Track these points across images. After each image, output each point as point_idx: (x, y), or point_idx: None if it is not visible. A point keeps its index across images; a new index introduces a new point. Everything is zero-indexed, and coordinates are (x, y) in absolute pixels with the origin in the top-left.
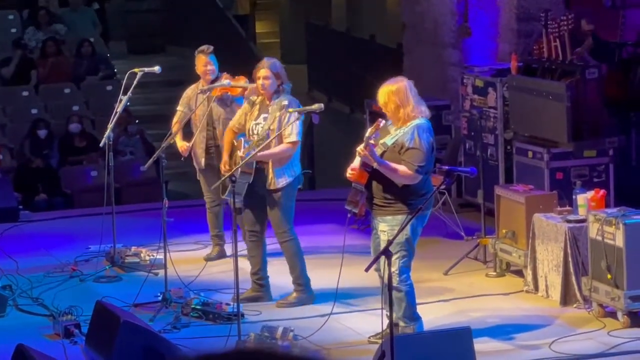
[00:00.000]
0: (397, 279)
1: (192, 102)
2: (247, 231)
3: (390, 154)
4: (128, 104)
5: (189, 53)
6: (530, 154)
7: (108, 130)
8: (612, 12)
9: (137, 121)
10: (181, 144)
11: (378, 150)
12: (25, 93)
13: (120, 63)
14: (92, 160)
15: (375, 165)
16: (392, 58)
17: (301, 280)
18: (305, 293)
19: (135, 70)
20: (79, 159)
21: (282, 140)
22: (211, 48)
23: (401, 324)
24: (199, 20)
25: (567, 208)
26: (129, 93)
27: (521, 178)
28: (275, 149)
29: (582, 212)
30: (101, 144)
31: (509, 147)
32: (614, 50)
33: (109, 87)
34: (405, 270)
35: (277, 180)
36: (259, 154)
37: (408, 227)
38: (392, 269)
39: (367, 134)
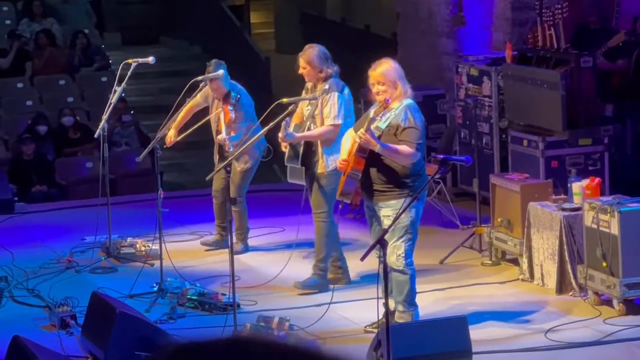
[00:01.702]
0: (403, 262)
1: (209, 99)
2: (313, 213)
3: (386, 137)
4: (123, 94)
5: (183, 44)
6: (525, 142)
7: (103, 122)
8: (607, 0)
9: (131, 112)
10: (170, 134)
11: None
12: (20, 85)
13: (114, 54)
14: (87, 151)
15: (377, 149)
16: (387, 48)
17: (322, 264)
18: (324, 279)
19: (130, 61)
20: (74, 151)
21: (324, 122)
22: (212, 65)
23: (400, 308)
24: (194, 11)
25: (563, 196)
26: (124, 84)
27: (516, 167)
28: (316, 131)
29: (577, 200)
30: (96, 135)
31: (504, 136)
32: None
33: (104, 78)
34: (410, 253)
35: (326, 164)
36: (299, 134)
37: (412, 210)
38: (398, 252)
39: (371, 114)
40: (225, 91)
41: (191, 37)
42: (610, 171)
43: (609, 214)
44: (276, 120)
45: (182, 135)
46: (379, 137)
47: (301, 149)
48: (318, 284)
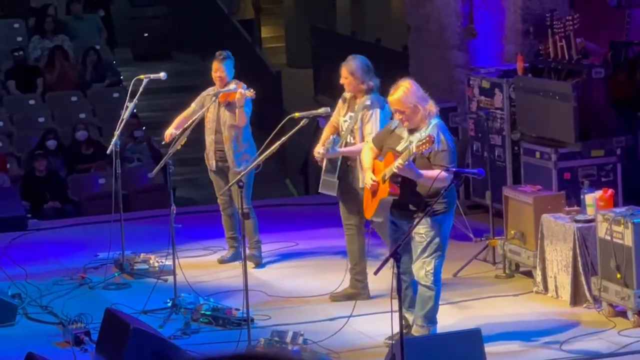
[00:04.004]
0: (432, 278)
1: (205, 102)
2: (344, 224)
3: (419, 160)
4: (135, 110)
5: (195, 59)
6: (537, 154)
7: (115, 137)
8: (617, 12)
9: (143, 128)
10: (169, 131)
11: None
12: (32, 101)
13: (126, 70)
14: (99, 167)
15: (413, 177)
16: (398, 61)
17: (360, 276)
18: (365, 290)
19: (141, 76)
20: (87, 167)
21: (365, 138)
22: (223, 54)
23: (419, 322)
24: (204, 26)
25: (576, 208)
26: (135, 100)
27: (529, 179)
28: (356, 147)
29: (590, 211)
30: (108, 151)
31: (516, 148)
32: None
33: (116, 94)
34: (439, 270)
35: (362, 177)
36: (341, 149)
37: (444, 227)
38: (427, 268)
39: (413, 150)
40: (228, 81)
41: (202, 52)
42: (623, 182)
43: (622, 225)
44: (289, 134)
45: (184, 132)
46: (413, 161)
47: (339, 163)
48: (357, 294)
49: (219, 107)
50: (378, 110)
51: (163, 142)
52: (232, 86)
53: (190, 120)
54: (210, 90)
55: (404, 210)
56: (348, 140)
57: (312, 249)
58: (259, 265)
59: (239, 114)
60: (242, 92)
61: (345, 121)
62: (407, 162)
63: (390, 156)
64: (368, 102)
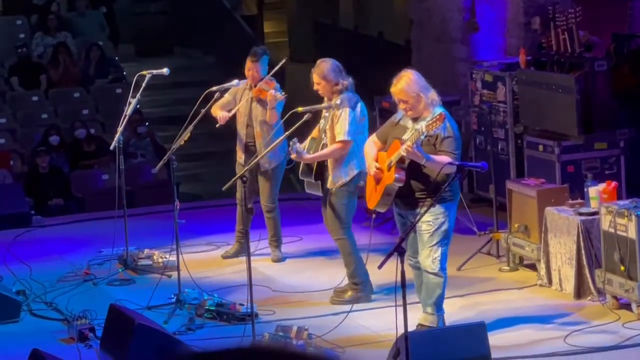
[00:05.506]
0: (439, 265)
1: (238, 95)
2: (329, 232)
3: (425, 147)
4: (138, 106)
5: (197, 54)
6: (540, 147)
7: (118, 134)
8: (620, 4)
9: (147, 123)
10: (221, 114)
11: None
12: (35, 98)
13: (128, 66)
14: (103, 163)
15: (422, 162)
16: (401, 55)
17: (356, 279)
18: (362, 292)
19: (144, 72)
20: (90, 163)
21: (334, 138)
22: (258, 54)
23: (429, 310)
24: (207, 21)
25: (579, 201)
26: (138, 95)
27: (532, 172)
28: (326, 150)
29: (594, 204)
30: (111, 147)
31: (519, 141)
32: None
33: (119, 90)
34: (445, 258)
35: (334, 180)
36: (308, 156)
37: (451, 216)
38: (434, 255)
39: (423, 130)
40: (261, 77)
41: (205, 48)
42: (627, 175)
43: (626, 218)
44: (294, 127)
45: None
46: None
47: (314, 164)
48: (355, 298)
49: (251, 102)
50: (347, 110)
51: (217, 125)
52: (234, 82)
53: (225, 106)
54: (244, 84)
55: (410, 198)
56: (324, 141)
57: (316, 244)
58: (280, 260)
59: (270, 113)
60: (273, 93)
61: (322, 123)
62: (415, 144)
63: (396, 144)
64: (338, 102)
